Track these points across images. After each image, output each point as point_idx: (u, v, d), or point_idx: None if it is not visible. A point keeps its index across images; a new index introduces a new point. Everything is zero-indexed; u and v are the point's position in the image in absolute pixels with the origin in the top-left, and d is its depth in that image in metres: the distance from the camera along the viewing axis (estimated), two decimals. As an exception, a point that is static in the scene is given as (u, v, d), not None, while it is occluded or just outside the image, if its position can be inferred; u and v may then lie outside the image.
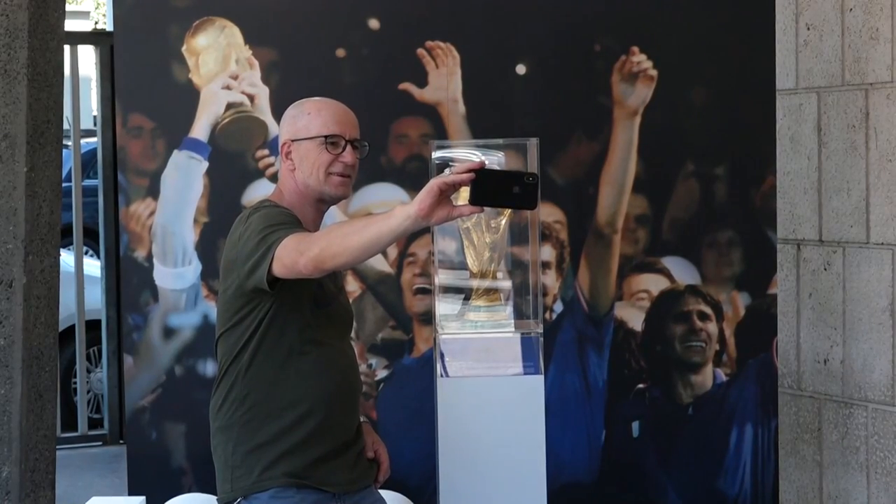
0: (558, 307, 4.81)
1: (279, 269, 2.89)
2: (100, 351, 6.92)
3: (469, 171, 2.66)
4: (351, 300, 4.09)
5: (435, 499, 4.12)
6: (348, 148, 3.10)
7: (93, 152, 9.17)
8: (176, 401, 4.61)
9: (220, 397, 3.11)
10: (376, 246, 2.77)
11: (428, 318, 4.52)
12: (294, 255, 2.84)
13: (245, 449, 3.06)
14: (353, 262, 2.84)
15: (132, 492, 4.59)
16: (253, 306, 3.05)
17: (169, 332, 4.61)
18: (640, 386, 4.87)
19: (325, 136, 3.08)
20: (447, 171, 2.71)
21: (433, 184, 2.65)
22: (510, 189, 2.69)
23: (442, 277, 4.08)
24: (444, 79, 4.70)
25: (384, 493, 3.39)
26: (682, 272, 4.88)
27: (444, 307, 4.02)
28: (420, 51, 4.70)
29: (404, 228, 2.71)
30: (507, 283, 4.17)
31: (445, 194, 2.67)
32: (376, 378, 4.68)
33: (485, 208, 2.76)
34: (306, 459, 3.05)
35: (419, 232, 4.65)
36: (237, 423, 3.07)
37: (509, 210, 4.05)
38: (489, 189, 2.68)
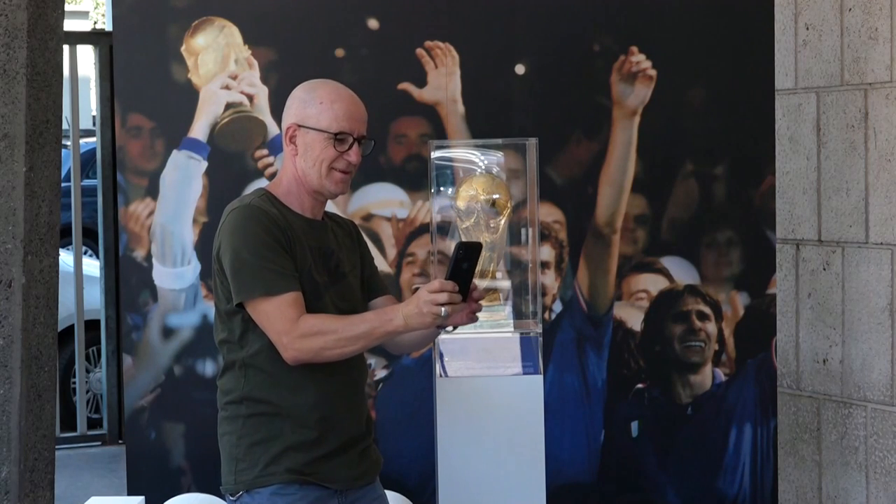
0: (557, 307, 4.80)
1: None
2: (99, 351, 6.92)
3: (451, 290, 2.86)
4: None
5: (434, 498, 4.12)
6: (355, 146, 3.04)
7: (92, 152, 9.18)
8: (175, 401, 4.61)
9: (225, 388, 3.06)
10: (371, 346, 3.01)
11: (427, 317, 4.51)
12: (282, 336, 2.93)
13: (249, 442, 3.02)
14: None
15: (131, 492, 4.59)
16: None
17: (168, 332, 4.61)
18: (640, 386, 4.86)
19: (335, 134, 3.03)
20: (418, 286, 2.89)
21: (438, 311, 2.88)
22: (462, 266, 2.89)
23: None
24: (444, 79, 4.70)
25: (383, 492, 3.38)
26: (682, 272, 4.88)
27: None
28: (419, 51, 4.70)
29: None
30: (506, 283, 4.17)
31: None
32: (375, 378, 4.68)
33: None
34: (310, 456, 3.01)
35: (418, 232, 4.66)
36: (242, 415, 3.03)
37: (508, 210, 4.06)
38: (463, 283, 2.89)
